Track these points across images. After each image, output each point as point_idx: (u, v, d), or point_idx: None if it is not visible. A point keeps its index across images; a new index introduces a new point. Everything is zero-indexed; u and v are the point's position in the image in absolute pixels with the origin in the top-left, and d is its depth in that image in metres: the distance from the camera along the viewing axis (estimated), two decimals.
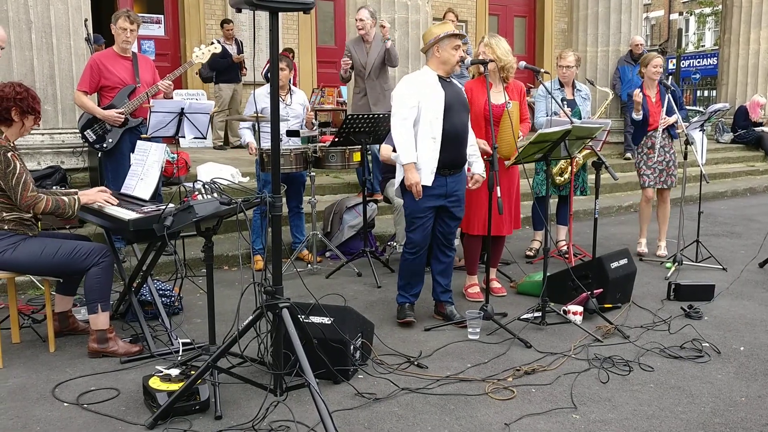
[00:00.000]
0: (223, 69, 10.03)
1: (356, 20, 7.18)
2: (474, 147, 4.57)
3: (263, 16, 10.18)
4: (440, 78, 4.35)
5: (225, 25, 10.26)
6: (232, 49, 10.15)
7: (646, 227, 6.52)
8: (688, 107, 21.82)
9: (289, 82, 6.03)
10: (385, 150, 5.62)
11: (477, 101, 4.76)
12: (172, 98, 5.70)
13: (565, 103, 5.98)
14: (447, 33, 4.29)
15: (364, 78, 7.24)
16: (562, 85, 6.10)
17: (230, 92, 10.21)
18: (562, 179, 6.13)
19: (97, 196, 3.92)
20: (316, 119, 6.94)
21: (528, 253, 6.36)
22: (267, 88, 5.81)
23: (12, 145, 3.78)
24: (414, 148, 4.26)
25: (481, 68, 4.60)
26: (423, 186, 4.27)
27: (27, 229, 3.85)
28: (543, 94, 5.93)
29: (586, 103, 6.14)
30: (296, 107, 6.00)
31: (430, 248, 4.54)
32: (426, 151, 4.27)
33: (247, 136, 5.96)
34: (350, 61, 7.14)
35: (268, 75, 10.04)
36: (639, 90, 6.07)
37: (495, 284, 5.19)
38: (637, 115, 6.07)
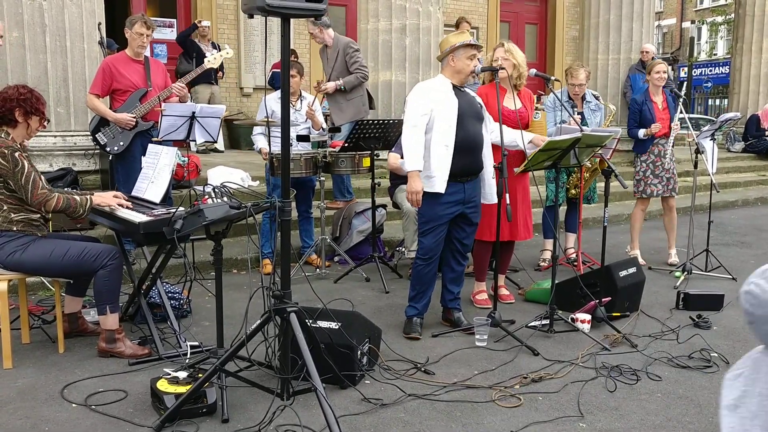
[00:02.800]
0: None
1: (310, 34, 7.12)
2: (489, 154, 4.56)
3: (275, 22, 10.21)
4: (454, 86, 4.36)
5: (200, 25, 10.11)
6: (207, 50, 9.86)
7: (638, 237, 6.52)
8: (698, 115, 21.80)
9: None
10: (392, 159, 5.62)
11: (493, 106, 4.73)
12: (186, 102, 5.73)
13: (576, 111, 5.99)
14: (463, 43, 4.30)
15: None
16: (570, 97, 6.10)
17: (207, 95, 10.18)
18: (576, 192, 6.13)
19: (110, 199, 3.93)
20: (327, 122, 6.95)
21: (541, 263, 6.33)
22: (277, 93, 5.84)
23: (19, 145, 3.82)
24: (421, 156, 4.25)
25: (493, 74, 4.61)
26: (438, 193, 4.27)
27: (36, 229, 3.88)
28: (551, 105, 5.94)
29: (595, 115, 6.14)
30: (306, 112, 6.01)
31: (442, 255, 4.53)
32: (439, 159, 4.26)
33: (260, 142, 5.99)
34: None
35: (272, 82, 10.01)
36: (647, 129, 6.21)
37: (503, 291, 5.18)
38: (644, 136, 6.21)
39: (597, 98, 6.27)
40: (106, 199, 3.93)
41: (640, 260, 6.22)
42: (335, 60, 6.97)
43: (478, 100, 4.53)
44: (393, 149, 5.72)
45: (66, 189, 5.65)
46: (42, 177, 3.83)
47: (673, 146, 6.33)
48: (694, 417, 3.35)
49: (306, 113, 5.99)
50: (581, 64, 6.25)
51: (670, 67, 6.33)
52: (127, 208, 3.92)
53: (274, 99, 5.96)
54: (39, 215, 3.89)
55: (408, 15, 8.31)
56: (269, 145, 5.71)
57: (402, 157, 5.53)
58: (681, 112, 6.04)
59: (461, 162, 4.31)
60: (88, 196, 3.90)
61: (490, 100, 4.76)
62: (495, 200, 4.46)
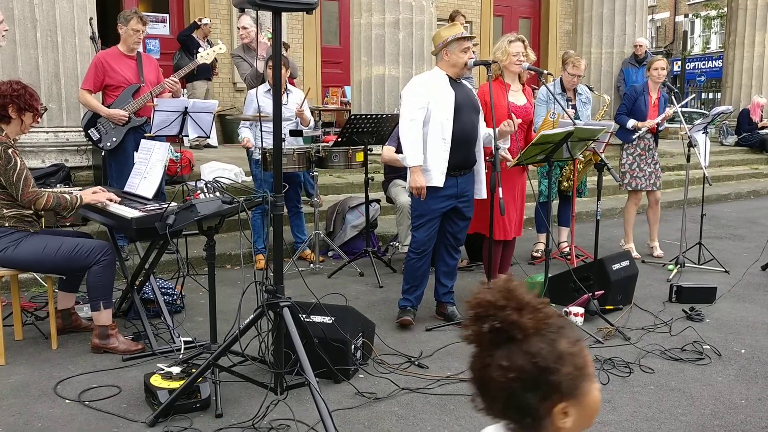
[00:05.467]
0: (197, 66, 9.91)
1: (239, 28, 6.91)
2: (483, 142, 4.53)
3: (268, 16, 10.14)
4: (450, 79, 4.35)
5: (201, 24, 10.08)
6: (203, 46, 9.90)
7: (632, 230, 6.56)
8: (692, 109, 21.84)
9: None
10: (387, 151, 5.62)
11: (499, 104, 4.71)
12: (180, 97, 5.71)
13: (570, 104, 6.00)
14: (455, 36, 4.29)
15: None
16: (564, 89, 6.10)
17: (204, 90, 10.18)
18: (568, 185, 6.14)
19: (100, 196, 3.93)
20: (319, 119, 6.92)
21: (534, 254, 6.35)
22: (264, 87, 5.81)
23: (12, 141, 3.80)
24: (421, 151, 4.23)
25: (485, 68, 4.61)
26: (434, 187, 4.26)
27: (28, 225, 3.87)
28: (543, 98, 5.95)
29: (586, 107, 6.14)
30: (293, 107, 5.97)
31: (435, 250, 4.53)
32: (436, 152, 4.24)
33: (244, 132, 5.96)
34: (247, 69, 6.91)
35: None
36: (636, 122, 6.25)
37: None
38: (632, 128, 6.24)
39: (591, 89, 6.28)
40: (96, 196, 3.92)
41: (635, 254, 6.25)
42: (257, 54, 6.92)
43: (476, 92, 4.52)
44: (388, 142, 5.71)
45: (57, 186, 5.65)
46: (31, 175, 3.82)
47: (657, 142, 6.38)
48: (686, 409, 3.37)
49: (296, 112, 5.98)
50: (580, 54, 6.26)
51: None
52: (115, 202, 3.91)
53: (260, 93, 5.92)
54: (31, 211, 3.87)
55: (401, 9, 8.29)
56: (255, 139, 5.67)
57: (396, 150, 5.54)
58: (674, 106, 6.06)
59: (456, 155, 4.29)
60: (77, 195, 3.89)
61: (496, 98, 4.68)
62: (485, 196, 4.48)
